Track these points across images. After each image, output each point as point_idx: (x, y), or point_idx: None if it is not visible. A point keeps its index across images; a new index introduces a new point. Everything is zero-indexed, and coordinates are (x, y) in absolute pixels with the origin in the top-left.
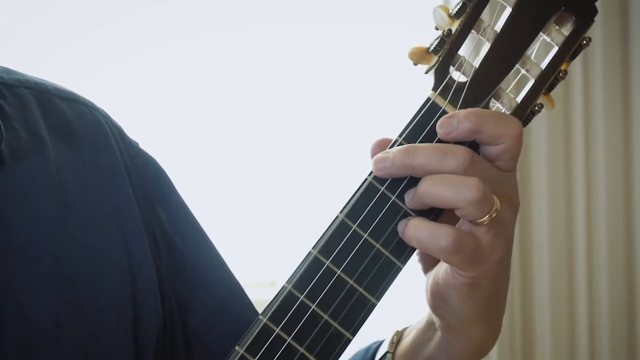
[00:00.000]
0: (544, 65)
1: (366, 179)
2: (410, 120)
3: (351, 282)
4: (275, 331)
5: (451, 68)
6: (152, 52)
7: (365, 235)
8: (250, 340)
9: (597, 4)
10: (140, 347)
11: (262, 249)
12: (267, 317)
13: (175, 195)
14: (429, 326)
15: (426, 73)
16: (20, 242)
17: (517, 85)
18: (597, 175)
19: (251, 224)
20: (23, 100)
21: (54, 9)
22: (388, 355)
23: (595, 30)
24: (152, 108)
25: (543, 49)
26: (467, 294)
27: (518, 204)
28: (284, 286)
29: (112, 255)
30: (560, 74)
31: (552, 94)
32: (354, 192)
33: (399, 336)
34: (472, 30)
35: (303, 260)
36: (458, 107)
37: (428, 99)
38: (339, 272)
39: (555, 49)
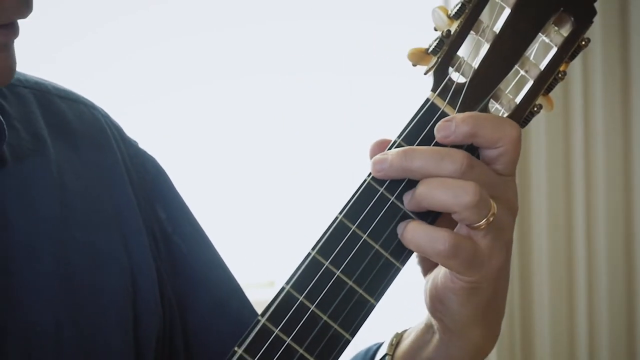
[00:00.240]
0: (542, 66)
1: (365, 180)
2: (410, 121)
3: (350, 282)
4: (274, 332)
5: (450, 69)
6: (152, 52)
7: (365, 236)
8: (249, 340)
9: (596, 5)
10: (140, 347)
11: (260, 250)
12: (266, 317)
13: (175, 194)
14: (428, 329)
15: (425, 74)
16: (21, 242)
17: (516, 86)
18: (596, 176)
19: (250, 225)
20: (23, 99)
21: (54, 9)
22: (387, 357)
23: (595, 31)
24: (152, 108)
25: (542, 49)
26: (466, 297)
27: (517, 208)
28: (283, 287)
29: (112, 255)
30: (559, 75)
31: (551, 94)
32: (353, 192)
33: (398, 338)
34: (471, 31)
35: (302, 261)
36: (457, 108)
37: (427, 100)
38: (338, 273)
39: (554, 50)
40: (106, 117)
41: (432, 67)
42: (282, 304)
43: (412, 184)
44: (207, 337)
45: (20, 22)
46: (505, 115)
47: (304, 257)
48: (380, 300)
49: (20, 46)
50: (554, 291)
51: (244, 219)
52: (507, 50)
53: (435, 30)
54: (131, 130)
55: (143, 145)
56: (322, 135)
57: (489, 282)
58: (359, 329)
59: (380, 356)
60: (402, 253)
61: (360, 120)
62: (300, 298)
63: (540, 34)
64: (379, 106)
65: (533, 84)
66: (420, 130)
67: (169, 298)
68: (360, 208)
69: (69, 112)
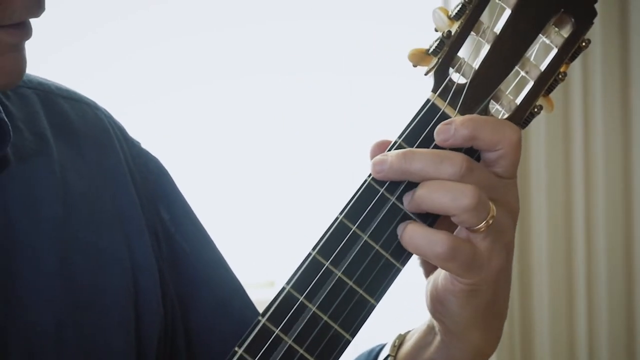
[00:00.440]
0: (543, 67)
1: (366, 180)
2: (410, 122)
3: (351, 283)
4: (274, 332)
5: (450, 70)
6: (152, 52)
7: (365, 237)
8: (249, 341)
9: (597, 6)
10: (141, 347)
11: (260, 250)
12: (267, 317)
13: (177, 194)
14: (430, 330)
15: (426, 74)
16: (24, 242)
17: (517, 87)
18: (596, 176)
19: (250, 224)
20: (26, 100)
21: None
22: (389, 358)
23: (595, 31)
24: (151, 108)
25: (542, 50)
26: (466, 300)
27: (517, 210)
28: (283, 287)
29: (114, 256)
30: (560, 76)
31: (551, 95)
32: (353, 193)
33: (401, 339)
34: (472, 32)
35: (303, 261)
36: (457, 109)
37: (428, 101)
38: (338, 273)
39: (554, 51)
40: (109, 117)
41: (433, 67)
42: (283, 304)
43: (412, 184)
44: (209, 337)
45: None
46: (506, 116)
47: (304, 257)
48: (381, 301)
49: None
50: (554, 291)
51: (243, 219)
52: (507, 51)
53: (436, 31)
54: (131, 130)
55: (144, 145)
56: (322, 135)
57: (488, 285)
58: (359, 329)
59: (383, 357)
60: (403, 254)
61: (360, 121)
62: (301, 298)
63: (540, 34)
64: (379, 106)
65: (533, 84)
66: (420, 131)
67: (171, 298)
68: (360, 208)
69: (72, 112)
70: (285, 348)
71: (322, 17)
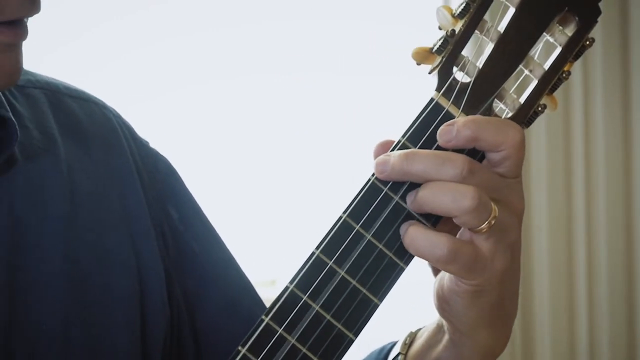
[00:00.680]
0: (547, 65)
1: (369, 179)
2: (414, 121)
3: (354, 282)
4: (278, 331)
5: (454, 68)
6: (149, 51)
7: (369, 236)
8: (253, 340)
9: (600, 4)
10: (147, 347)
11: (262, 248)
12: (270, 317)
13: (186, 194)
14: (439, 328)
15: (429, 73)
16: (31, 241)
17: (521, 85)
18: (596, 176)
19: (251, 223)
20: (34, 100)
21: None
22: (400, 356)
23: (595, 31)
24: (149, 108)
25: (546, 49)
26: (471, 300)
27: (521, 210)
28: (287, 286)
29: (121, 255)
30: (564, 75)
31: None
32: (357, 192)
33: (412, 337)
34: (476, 31)
35: (306, 261)
36: (461, 108)
37: (431, 100)
38: (342, 272)
39: (558, 50)
40: (117, 116)
41: (437, 66)
42: (286, 303)
43: (415, 184)
44: (217, 337)
45: None
46: (510, 114)
47: (308, 256)
48: (384, 300)
49: None
50: (554, 291)
51: (244, 217)
52: (511, 50)
53: (440, 29)
54: None
55: (153, 145)
56: (323, 135)
57: (493, 286)
58: (362, 328)
59: (394, 355)
60: (406, 253)
61: (361, 120)
62: (304, 297)
63: (544, 33)
64: (379, 106)
65: (537, 83)
66: (424, 130)
67: (177, 298)
68: (364, 207)
69: (80, 112)
70: (288, 347)
71: (321, 17)
